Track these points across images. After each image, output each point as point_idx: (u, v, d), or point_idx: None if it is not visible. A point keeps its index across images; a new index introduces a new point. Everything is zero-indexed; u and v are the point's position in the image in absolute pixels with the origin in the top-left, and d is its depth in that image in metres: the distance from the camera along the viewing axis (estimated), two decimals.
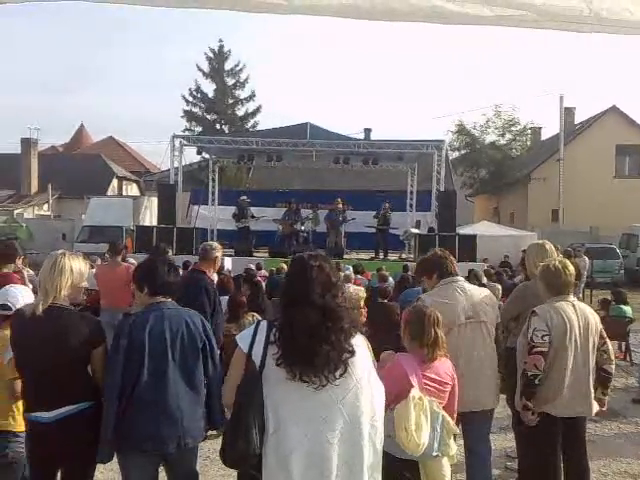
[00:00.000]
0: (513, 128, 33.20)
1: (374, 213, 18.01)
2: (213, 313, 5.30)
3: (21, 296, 3.52)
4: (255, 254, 17.36)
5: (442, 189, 18.00)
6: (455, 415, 3.29)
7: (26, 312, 3.09)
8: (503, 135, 33.32)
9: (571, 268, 3.78)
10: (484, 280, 11.70)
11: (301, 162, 21.22)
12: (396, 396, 2.96)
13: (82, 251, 9.64)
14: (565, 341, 3.60)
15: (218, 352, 3.32)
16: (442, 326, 3.28)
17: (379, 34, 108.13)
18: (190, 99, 33.81)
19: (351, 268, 11.67)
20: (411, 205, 20.52)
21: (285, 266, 9.90)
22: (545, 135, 35.30)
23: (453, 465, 3.30)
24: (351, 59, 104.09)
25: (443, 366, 3.24)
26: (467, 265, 14.40)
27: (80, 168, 32.67)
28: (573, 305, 3.71)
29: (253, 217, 17.66)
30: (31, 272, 5.73)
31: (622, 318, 9.13)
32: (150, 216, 23.12)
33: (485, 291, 4.13)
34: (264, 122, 35.25)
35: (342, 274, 10.11)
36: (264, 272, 12.11)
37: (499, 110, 32.14)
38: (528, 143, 34.92)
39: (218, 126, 33.56)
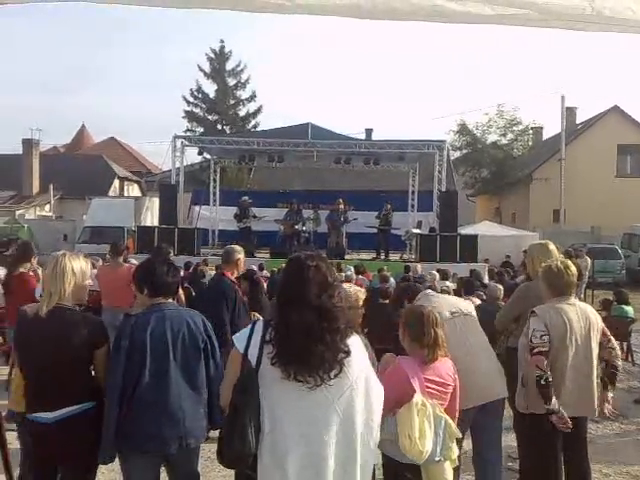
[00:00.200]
0: (515, 128, 33.11)
1: (376, 213, 17.97)
2: (233, 315, 5.31)
3: None
4: (256, 254, 17.36)
5: (443, 189, 17.98)
6: (457, 416, 3.26)
7: (29, 312, 3.09)
8: (505, 135, 33.24)
9: (573, 269, 3.78)
10: (485, 280, 11.71)
11: (302, 162, 21.22)
12: (398, 400, 2.94)
13: (83, 252, 9.62)
14: (565, 341, 3.60)
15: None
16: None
17: (380, 34, 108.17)
18: (191, 99, 33.92)
19: (352, 268, 11.68)
20: (412, 205, 20.53)
21: None
22: (547, 135, 35.37)
23: (462, 466, 3.27)
24: (352, 59, 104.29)
25: (444, 366, 3.21)
26: (468, 265, 14.43)
27: (81, 169, 32.67)
28: (574, 306, 3.70)
29: (255, 217, 17.66)
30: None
31: (624, 318, 9.12)
32: (151, 217, 23.10)
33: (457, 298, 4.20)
34: (265, 122, 35.52)
35: (342, 274, 10.13)
36: (266, 273, 12.10)
37: (501, 110, 32.13)
38: (530, 143, 34.82)
39: (219, 126, 33.62)
